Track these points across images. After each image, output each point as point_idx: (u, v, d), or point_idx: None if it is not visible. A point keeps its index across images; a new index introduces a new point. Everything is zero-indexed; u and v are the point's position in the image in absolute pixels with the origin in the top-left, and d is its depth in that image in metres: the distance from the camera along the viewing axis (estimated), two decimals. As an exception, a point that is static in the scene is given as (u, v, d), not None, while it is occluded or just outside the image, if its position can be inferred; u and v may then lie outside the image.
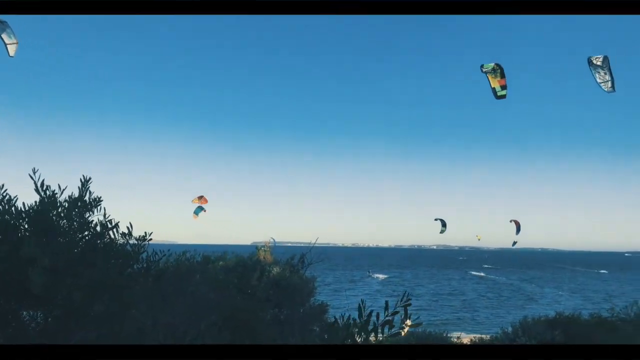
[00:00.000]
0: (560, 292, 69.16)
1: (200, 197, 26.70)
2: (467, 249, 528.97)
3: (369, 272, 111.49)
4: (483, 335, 21.37)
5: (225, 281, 7.51)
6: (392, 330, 3.45)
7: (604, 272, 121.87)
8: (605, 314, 17.37)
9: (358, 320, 3.65)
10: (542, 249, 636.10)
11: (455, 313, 46.95)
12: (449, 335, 15.66)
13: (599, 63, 13.68)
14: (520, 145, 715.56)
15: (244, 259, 9.28)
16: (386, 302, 3.55)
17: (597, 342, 13.89)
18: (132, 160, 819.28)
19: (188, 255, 6.70)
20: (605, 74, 13.85)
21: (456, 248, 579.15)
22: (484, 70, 13.82)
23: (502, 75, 13.99)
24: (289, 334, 7.17)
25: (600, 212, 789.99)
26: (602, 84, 13.94)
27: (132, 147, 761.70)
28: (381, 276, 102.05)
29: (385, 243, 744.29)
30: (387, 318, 3.47)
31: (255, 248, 10.23)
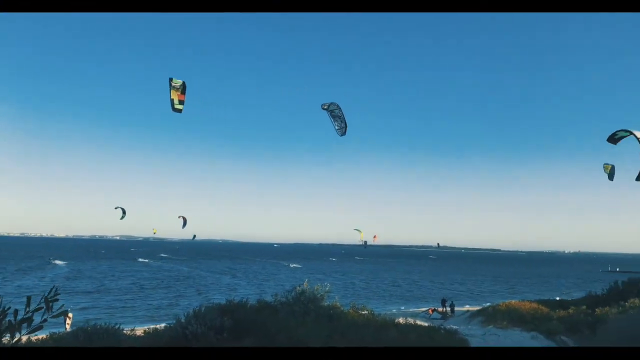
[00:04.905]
0: (237, 281, 75.31)
1: None
2: (151, 240, 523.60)
3: (50, 259, 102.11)
4: (157, 325, 21.58)
5: None
6: (32, 326, 3.16)
7: (284, 263, 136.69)
8: (269, 299, 19.95)
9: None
10: (223, 239, 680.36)
11: (126, 303, 45.77)
12: (121, 327, 15.18)
13: (339, 114, 16.71)
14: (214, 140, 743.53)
15: None
16: (27, 298, 3.22)
17: (260, 321, 15.70)
18: None
19: None
20: (341, 121, 16.83)
21: (140, 239, 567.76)
22: (172, 83, 14.99)
23: (183, 92, 15.25)
24: None
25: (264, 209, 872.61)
26: (338, 130, 16.94)
27: None
28: (60, 262, 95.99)
29: (61, 233, 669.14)
30: (26, 315, 3.15)
31: None
